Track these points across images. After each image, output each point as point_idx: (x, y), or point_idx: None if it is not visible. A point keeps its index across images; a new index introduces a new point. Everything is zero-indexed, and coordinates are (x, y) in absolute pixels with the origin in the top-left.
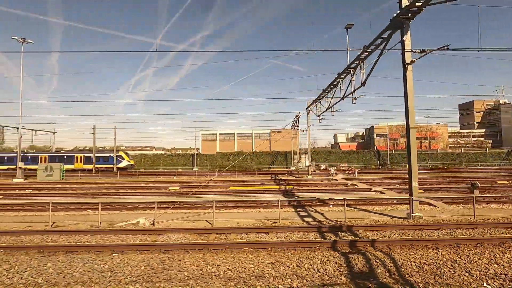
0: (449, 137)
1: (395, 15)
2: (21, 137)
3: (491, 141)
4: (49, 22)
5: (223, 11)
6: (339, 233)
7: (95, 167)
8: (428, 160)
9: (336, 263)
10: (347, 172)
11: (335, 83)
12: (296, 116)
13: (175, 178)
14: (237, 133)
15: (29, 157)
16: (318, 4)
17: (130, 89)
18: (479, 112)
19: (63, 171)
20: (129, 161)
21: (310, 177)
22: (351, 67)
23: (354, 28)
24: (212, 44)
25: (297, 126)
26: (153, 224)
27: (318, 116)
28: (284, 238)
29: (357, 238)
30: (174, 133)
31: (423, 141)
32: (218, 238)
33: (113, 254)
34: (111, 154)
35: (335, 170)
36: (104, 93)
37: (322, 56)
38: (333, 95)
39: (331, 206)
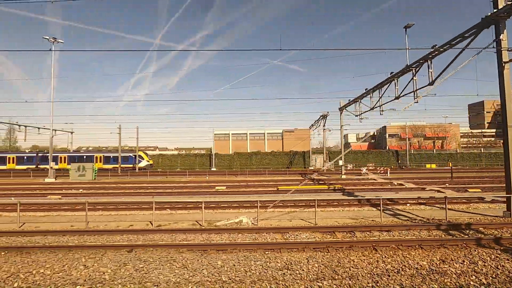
0: (461, 137)
1: (488, 14)
2: (52, 137)
3: (502, 141)
4: (48, 22)
5: (223, 11)
6: (464, 230)
7: (120, 167)
8: (448, 160)
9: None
10: (378, 172)
11: (385, 82)
12: (321, 116)
13: (207, 178)
14: (250, 133)
15: (48, 157)
16: (318, 4)
17: (129, 88)
18: (489, 112)
19: (95, 171)
20: (148, 161)
21: (343, 176)
22: (412, 66)
23: (353, 28)
24: (212, 44)
25: (324, 126)
26: (255, 223)
27: (359, 115)
28: (413, 236)
29: (482, 236)
30: (182, 133)
31: (436, 141)
32: (345, 237)
33: (266, 252)
34: (131, 154)
35: (366, 169)
36: (106, 92)
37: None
38: (382, 94)
39: (408, 205)
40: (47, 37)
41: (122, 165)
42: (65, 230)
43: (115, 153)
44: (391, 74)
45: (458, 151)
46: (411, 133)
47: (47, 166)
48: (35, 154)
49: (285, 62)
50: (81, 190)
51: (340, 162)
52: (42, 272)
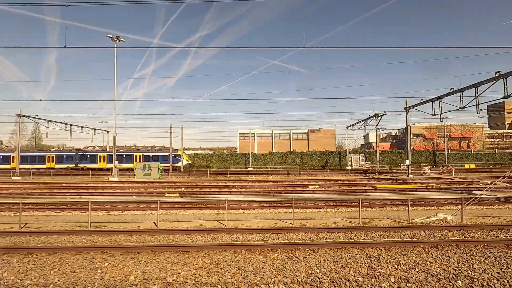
0: (486, 137)
1: None
2: (115, 135)
3: None
4: (46, 20)
5: (221, 10)
6: None
7: (172, 166)
8: (487, 161)
9: None
10: (441, 171)
11: (487, 81)
12: (374, 116)
13: (272, 177)
14: (275, 133)
15: (88, 156)
16: (315, 4)
17: (128, 88)
18: (510, 112)
19: (160, 169)
20: (187, 160)
21: (410, 175)
22: None
23: (353, 28)
24: (211, 44)
25: (376, 125)
26: (455, 220)
27: (438, 114)
28: None
29: None
30: (206, 132)
31: (461, 141)
32: None
33: None
34: (171, 153)
35: (429, 169)
36: (104, 92)
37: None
38: (479, 94)
39: None
40: (110, 36)
41: (166, 165)
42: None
43: (162, 152)
44: (496, 73)
45: (496, 151)
46: (435, 134)
47: (87, 165)
48: (74, 153)
49: (287, 63)
50: (183, 188)
51: (407, 162)
52: None
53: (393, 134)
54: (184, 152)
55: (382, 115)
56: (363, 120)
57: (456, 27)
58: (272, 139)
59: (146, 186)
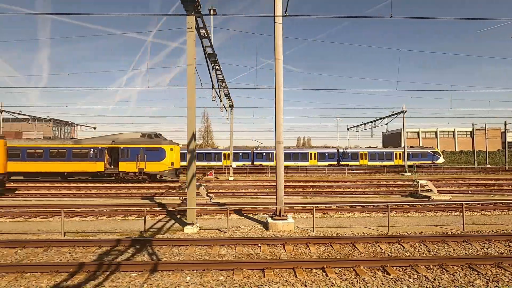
0: None
1: None
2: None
3: None
4: (37, 17)
5: (218, 7)
6: None
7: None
8: None
9: None
10: None
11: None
12: None
13: None
14: (439, 131)
15: (205, 154)
16: (314, 3)
17: (122, 84)
18: None
19: None
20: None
21: None
22: None
23: (352, 28)
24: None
25: None
26: None
27: None
28: None
29: None
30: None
31: None
32: None
33: None
34: (429, 151)
35: None
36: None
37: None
38: None
39: None
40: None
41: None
42: None
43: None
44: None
45: None
46: None
47: (263, 163)
48: (250, 151)
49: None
50: None
51: None
52: None
53: None
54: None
55: None
56: None
57: None
58: (436, 137)
59: None
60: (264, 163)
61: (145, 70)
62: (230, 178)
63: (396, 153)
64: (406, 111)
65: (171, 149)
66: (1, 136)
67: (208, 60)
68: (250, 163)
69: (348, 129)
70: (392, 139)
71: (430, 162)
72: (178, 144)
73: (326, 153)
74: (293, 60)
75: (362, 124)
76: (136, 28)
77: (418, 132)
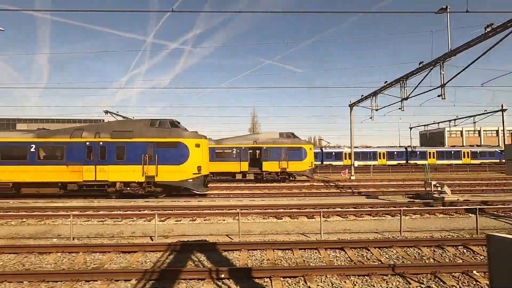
0: None
1: None
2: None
3: None
4: (37, 17)
5: (217, 8)
6: None
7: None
8: None
9: None
10: None
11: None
12: None
13: None
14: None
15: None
16: (312, 2)
17: (122, 85)
18: None
19: None
20: None
21: None
22: None
23: (351, 28)
24: (208, 40)
25: None
26: None
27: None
28: None
29: None
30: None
31: None
32: None
33: None
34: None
35: None
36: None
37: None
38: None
39: None
40: None
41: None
42: None
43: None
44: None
45: None
46: None
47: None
48: (404, 149)
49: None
50: None
51: None
52: None
53: None
54: None
55: None
56: None
57: None
58: (462, 136)
59: None
60: (334, 163)
61: (145, 70)
62: (352, 177)
63: (464, 152)
64: (506, 109)
65: (310, 149)
66: (203, 136)
67: None
68: (320, 162)
69: (410, 128)
70: (432, 139)
71: (498, 160)
72: (311, 143)
73: (395, 152)
74: None
75: (434, 123)
76: (136, 28)
77: (461, 131)
